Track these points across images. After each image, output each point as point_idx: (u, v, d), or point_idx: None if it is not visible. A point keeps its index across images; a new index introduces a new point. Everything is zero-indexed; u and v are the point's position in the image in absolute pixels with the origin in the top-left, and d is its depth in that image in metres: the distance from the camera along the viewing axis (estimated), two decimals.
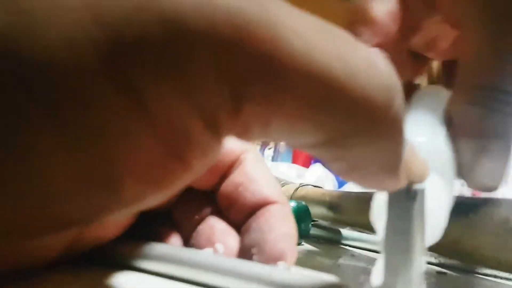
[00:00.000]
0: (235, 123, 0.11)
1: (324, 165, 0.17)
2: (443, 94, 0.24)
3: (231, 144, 0.21)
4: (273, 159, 1.05)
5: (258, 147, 1.00)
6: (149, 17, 0.09)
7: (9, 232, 0.11)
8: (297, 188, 0.37)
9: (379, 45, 0.25)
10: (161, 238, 0.20)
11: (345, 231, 0.35)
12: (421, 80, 0.28)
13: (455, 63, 0.23)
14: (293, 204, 0.32)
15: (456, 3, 0.22)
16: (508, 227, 0.24)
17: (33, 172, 0.10)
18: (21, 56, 0.09)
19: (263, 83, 0.10)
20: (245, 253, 0.19)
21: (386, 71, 0.12)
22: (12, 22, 0.09)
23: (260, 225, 0.19)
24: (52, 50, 0.09)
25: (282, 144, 0.92)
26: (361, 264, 0.29)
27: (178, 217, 0.21)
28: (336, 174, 0.14)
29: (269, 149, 1.05)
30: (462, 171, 0.22)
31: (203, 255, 0.18)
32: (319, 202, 0.34)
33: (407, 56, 0.26)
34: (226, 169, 0.21)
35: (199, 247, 0.19)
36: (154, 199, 0.12)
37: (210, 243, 0.19)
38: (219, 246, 0.19)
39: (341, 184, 0.81)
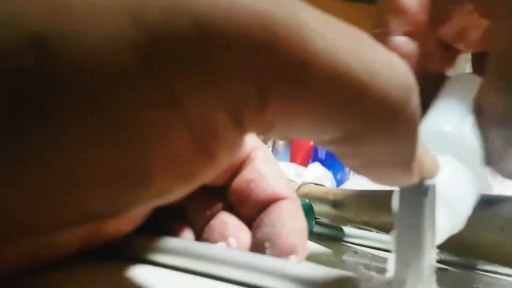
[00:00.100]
0: (259, 120, 0.12)
1: (340, 160, 0.18)
2: (474, 82, 0.24)
3: None
4: None
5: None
6: (183, 18, 0.10)
7: (41, 225, 0.11)
8: (300, 186, 0.38)
9: (408, 34, 0.25)
10: (174, 233, 0.21)
11: (348, 229, 0.35)
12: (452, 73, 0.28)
13: (484, 55, 0.23)
14: None
15: None
16: (509, 222, 0.24)
17: (70, 165, 0.10)
18: (61, 55, 0.09)
19: (289, 82, 0.11)
20: (257, 247, 0.19)
21: (403, 71, 0.12)
22: (52, 22, 0.09)
23: (271, 220, 0.19)
24: (94, 50, 0.09)
25: (280, 143, 0.93)
26: (365, 261, 0.30)
27: (190, 213, 0.22)
28: (352, 170, 0.14)
29: (268, 148, 1.05)
30: (491, 159, 0.22)
31: (217, 249, 0.19)
32: (322, 200, 0.35)
33: (437, 47, 0.26)
34: (238, 166, 0.21)
35: (211, 241, 0.20)
36: (179, 192, 0.12)
37: (223, 238, 0.20)
38: (232, 241, 0.19)
39: (339, 184, 0.81)
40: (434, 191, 0.15)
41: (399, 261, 0.15)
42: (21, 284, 0.15)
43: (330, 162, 0.82)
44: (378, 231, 0.32)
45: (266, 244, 0.19)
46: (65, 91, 0.09)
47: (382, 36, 0.25)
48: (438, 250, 0.29)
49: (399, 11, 0.25)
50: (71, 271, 0.17)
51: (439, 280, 0.18)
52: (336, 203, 0.34)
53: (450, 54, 0.27)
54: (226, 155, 0.12)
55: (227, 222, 0.20)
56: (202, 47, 0.10)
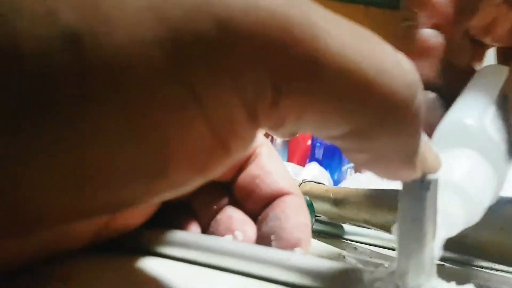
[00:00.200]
0: (272, 115, 0.12)
1: (345, 155, 0.18)
2: (502, 73, 0.24)
3: None
4: None
5: None
6: (205, 18, 0.11)
7: (65, 214, 0.12)
8: (300, 184, 0.39)
9: (435, 27, 0.25)
10: (181, 227, 0.21)
11: (347, 226, 0.36)
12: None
13: (510, 49, 0.24)
14: None
15: None
16: (508, 222, 0.25)
17: (99, 158, 0.11)
18: (93, 52, 0.10)
19: (301, 78, 0.12)
20: (262, 240, 0.20)
21: (409, 69, 0.13)
22: (84, 20, 0.10)
23: (276, 214, 0.20)
24: (123, 48, 0.10)
25: (278, 142, 0.93)
26: (364, 257, 0.31)
27: (196, 207, 0.22)
28: (357, 164, 0.15)
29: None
30: None
31: (224, 241, 0.19)
32: (323, 198, 0.36)
33: (465, 40, 0.26)
34: (243, 163, 0.22)
35: (218, 235, 0.21)
36: (194, 184, 0.13)
37: (230, 231, 0.20)
38: (238, 234, 0.20)
39: (336, 183, 0.82)
40: (436, 186, 0.16)
41: (402, 253, 0.16)
42: (38, 272, 0.16)
43: (327, 162, 0.83)
44: (378, 230, 0.33)
45: (272, 237, 0.20)
46: (97, 87, 0.10)
47: (410, 29, 0.26)
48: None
49: (426, 4, 0.25)
50: (84, 262, 0.18)
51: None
52: (337, 201, 0.34)
53: (478, 48, 0.27)
54: (240, 148, 0.13)
55: (233, 216, 0.21)
56: (223, 46, 0.11)
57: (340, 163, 0.86)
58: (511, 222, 0.25)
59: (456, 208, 0.20)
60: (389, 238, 0.33)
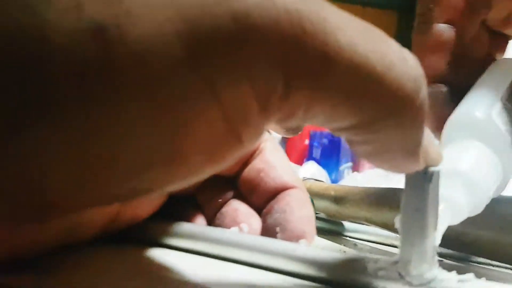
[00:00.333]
0: (283, 107, 0.13)
1: (351, 147, 0.19)
2: None
3: None
4: None
5: None
6: (223, 13, 0.11)
7: (87, 199, 0.13)
8: None
9: (449, 21, 0.26)
10: (187, 219, 0.22)
11: (347, 223, 0.37)
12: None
13: None
14: None
15: None
16: (508, 222, 0.25)
17: (123, 145, 0.11)
18: (118, 45, 0.11)
19: (312, 72, 0.12)
20: (267, 232, 0.21)
21: (414, 64, 0.14)
22: (109, 13, 0.11)
23: (281, 207, 0.21)
24: (146, 42, 0.11)
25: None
26: (364, 253, 0.31)
27: (202, 201, 0.23)
28: (362, 157, 0.16)
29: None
30: None
31: (231, 233, 0.20)
32: (323, 195, 0.36)
33: (483, 32, 0.27)
34: (248, 157, 0.23)
35: (224, 227, 0.21)
36: (208, 173, 0.14)
37: (235, 223, 0.21)
38: (244, 226, 0.21)
39: (333, 183, 0.83)
40: (437, 178, 0.17)
41: (405, 243, 0.17)
42: (51, 260, 0.17)
43: (324, 162, 0.84)
44: (379, 228, 0.33)
45: (277, 229, 0.20)
46: (122, 78, 0.11)
47: (424, 24, 0.26)
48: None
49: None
50: (94, 252, 0.19)
51: None
52: (337, 199, 0.35)
53: (498, 39, 0.27)
54: (251, 139, 0.14)
55: (238, 209, 0.22)
56: (239, 40, 0.11)
57: (337, 163, 0.86)
58: (511, 222, 0.25)
59: (461, 196, 0.20)
60: (389, 235, 0.34)
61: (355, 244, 0.34)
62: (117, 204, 0.19)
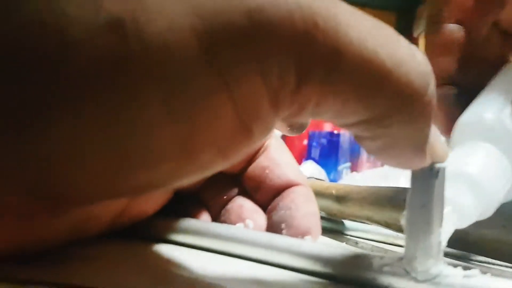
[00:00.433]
0: (293, 102, 0.13)
1: (359, 143, 0.19)
2: None
3: None
4: None
5: None
6: (237, 8, 0.12)
7: (106, 192, 0.13)
8: None
9: (460, 22, 0.26)
10: (192, 215, 0.22)
11: (348, 222, 0.37)
12: None
13: None
14: None
15: None
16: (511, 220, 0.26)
17: (138, 137, 0.12)
18: (135, 39, 0.11)
19: (323, 67, 0.13)
20: (272, 229, 0.21)
21: (423, 61, 0.14)
22: (126, 7, 0.11)
23: (286, 204, 0.21)
24: (163, 36, 0.11)
25: None
26: (366, 252, 0.31)
27: (207, 198, 0.23)
28: (370, 152, 0.16)
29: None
30: None
31: (237, 229, 0.20)
32: (325, 194, 0.36)
33: (494, 32, 0.27)
34: (253, 155, 0.23)
35: (229, 223, 0.22)
36: (219, 167, 0.14)
37: (241, 220, 0.21)
38: (249, 222, 0.21)
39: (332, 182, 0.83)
40: (443, 174, 0.17)
41: (410, 239, 0.17)
42: (59, 253, 0.17)
43: (323, 162, 0.84)
44: (382, 227, 0.33)
45: (282, 226, 0.20)
46: (138, 71, 0.11)
47: (434, 24, 0.26)
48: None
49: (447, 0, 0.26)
50: (102, 246, 0.19)
51: None
52: (339, 198, 0.35)
53: (511, 40, 0.27)
54: (262, 134, 0.14)
55: (243, 206, 0.22)
56: (252, 35, 0.12)
57: (336, 163, 0.87)
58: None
59: (468, 199, 0.20)
60: (390, 233, 0.34)
61: (356, 243, 0.34)
62: (123, 200, 0.19)
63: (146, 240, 0.21)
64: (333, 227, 0.37)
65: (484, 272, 0.17)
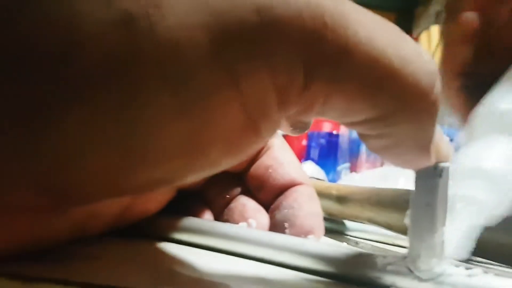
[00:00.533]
0: (301, 99, 0.14)
1: (364, 142, 0.19)
2: None
3: None
4: None
5: None
6: (247, 6, 0.12)
7: (116, 189, 0.13)
8: None
9: (478, 10, 0.26)
10: (194, 214, 0.23)
11: (348, 222, 0.37)
12: None
13: None
14: None
15: None
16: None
17: (147, 137, 0.12)
18: (146, 35, 0.11)
19: (332, 65, 0.13)
20: (275, 228, 0.21)
21: (429, 60, 0.14)
22: (138, 4, 0.11)
23: (290, 203, 0.21)
24: (174, 32, 0.11)
25: None
26: (369, 251, 0.32)
27: (209, 196, 0.23)
28: (375, 151, 0.16)
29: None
30: None
31: (240, 228, 0.20)
32: (325, 195, 0.37)
33: None
34: (256, 154, 0.23)
35: (232, 222, 0.22)
36: (226, 165, 0.14)
37: (243, 219, 0.21)
38: (252, 221, 0.21)
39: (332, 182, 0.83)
40: (447, 173, 0.17)
41: (414, 237, 0.17)
42: (62, 252, 0.17)
43: (322, 162, 0.84)
44: (383, 228, 0.34)
45: (285, 225, 0.21)
46: (149, 67, 0.11)
47: (452, 13, 0.26)
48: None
49: None
50: (105, 244, 0.19)
51: None
52: (340, 199, 0.35)
53: None
54: (269, 132, 0.14)
55: (246, 205, 0.22)
56: (262, 33, 0.12)
57: (335, 164, 0.87)
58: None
59: (486, 195, 0.20)
60: (391, 234, 0.34)
61: (356, 243, 0.34)
62: (126, 199, 0.19)
63: (149, 238, 0.21)
64: (333, 227, 0.38)
65: (486, 272, 0.17)
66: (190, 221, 0.21)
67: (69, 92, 0.11)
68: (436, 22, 1.52)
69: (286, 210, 0.21)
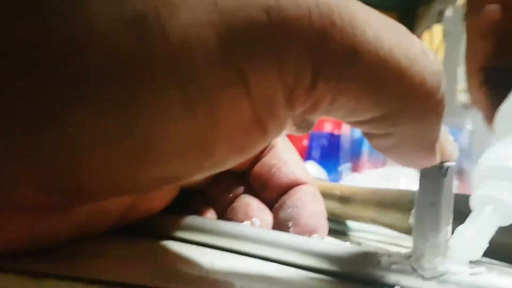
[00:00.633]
0: (308, 98, 0.14)
1: (369, 141, 0.19)
2: None
3: None
4: None
5: None
6: (256, 5, 0.12)
7: (125, 186, 0.13)
8: None
9: (501, 2, 0.25)
10: (197, 213, 0.23)
11: (351, 222, 0.37)
12: None
13: None
14: None
15: None
16: None
17: (155, 134, 0.12)
18: (156, 34, 0.11)
19: (339, 64, 0.13)
20: (279, 227, 0.21)
21: (434, 59, 0.15)
22: (149, 3, 0.11)
23: (294, 202, 0.22)
24: (183, 29, 0.11)
25: None
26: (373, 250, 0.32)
27: (213, 195, 0.24)
28: (380, 150, 0.16)
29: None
30: None
31: (244, 226, 0.21)
32: (328, 195, 0.37)
33: None
34: (259, 153, 0.24)
35: (236, 221, 0.22)
36: (233, 164, 0.14)
37: (247, 217, 0.22)
38: (255, 220, 0.21)
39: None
40: (452, 172, 0.17)
41: (418, 236, 0.17)
42: (68, 249, 0.17)
43: (323, 163, 0.85)
44: (386, 228, 0.34)
45: (289, 224, 0.21)
46: (159, 64, 0.11)
47: (474, 6, 0.26)
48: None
49: None
50: (110, 243, 0.19)
51: None
52: (343, 199, 0.36)
53: None
54: (276, 131, 0.14)
55: (250, 204, 0.22)
56: (271, 32, 0.12)
57: (336, 164, 0.87)
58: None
59: (503, 193, 0.20)
60: (393, 234, 0.34)
61: (359, 243, 0.35)
62: (131, 197, 0.19)
63: (153, 237, 0.21)
64: (335, 227, 0.38)
65: (489, 271, 0.18)
66: (194, 219, 0.21)
67: (80, 90, 0.11)
68: (437, 22, 1.53)
69: (290, 209, 0.21)
